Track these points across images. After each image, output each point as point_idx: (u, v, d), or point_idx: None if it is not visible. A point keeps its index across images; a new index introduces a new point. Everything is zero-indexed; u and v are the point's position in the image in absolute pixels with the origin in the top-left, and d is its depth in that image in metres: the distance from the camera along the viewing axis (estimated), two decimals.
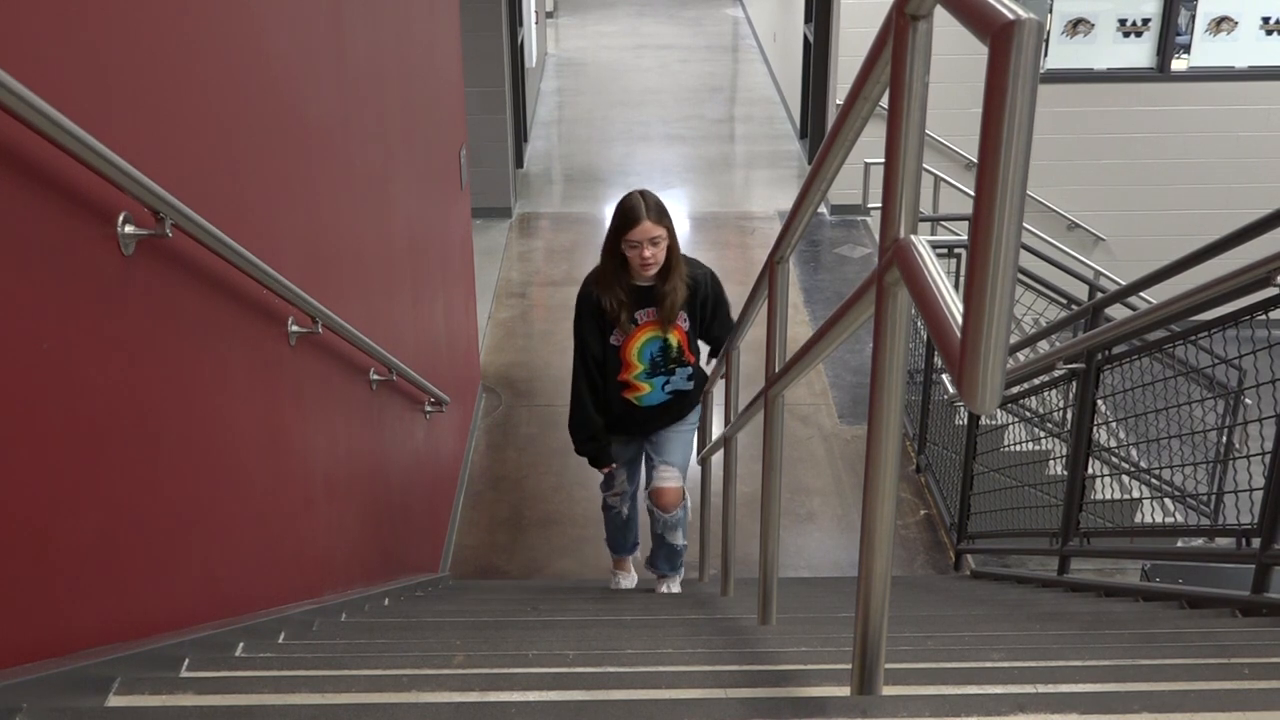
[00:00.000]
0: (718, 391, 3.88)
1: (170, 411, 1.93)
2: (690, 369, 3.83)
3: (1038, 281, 6.15)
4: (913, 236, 1.24)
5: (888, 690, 1.44)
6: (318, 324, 2.75)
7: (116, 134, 1.66)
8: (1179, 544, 3.93)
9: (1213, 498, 4.75)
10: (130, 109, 1.77)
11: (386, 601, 3.43)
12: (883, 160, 1.26)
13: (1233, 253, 2.87)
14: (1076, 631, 2.57)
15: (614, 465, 3.95)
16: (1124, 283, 4.49)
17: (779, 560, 2.41)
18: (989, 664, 1.92)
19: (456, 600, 3.90)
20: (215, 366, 2.17)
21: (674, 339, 3.73)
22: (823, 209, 9.33)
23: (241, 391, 2.32)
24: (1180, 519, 4.83)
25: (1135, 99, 8.80)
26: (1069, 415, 4.43)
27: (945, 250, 6.05)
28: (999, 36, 0.89)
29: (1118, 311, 4.39)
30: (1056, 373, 3.89)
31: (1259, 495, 2.74)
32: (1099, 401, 3.81)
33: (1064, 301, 6.31)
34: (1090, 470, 3.84)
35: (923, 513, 5.71)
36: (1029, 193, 1.82)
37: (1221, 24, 8.66)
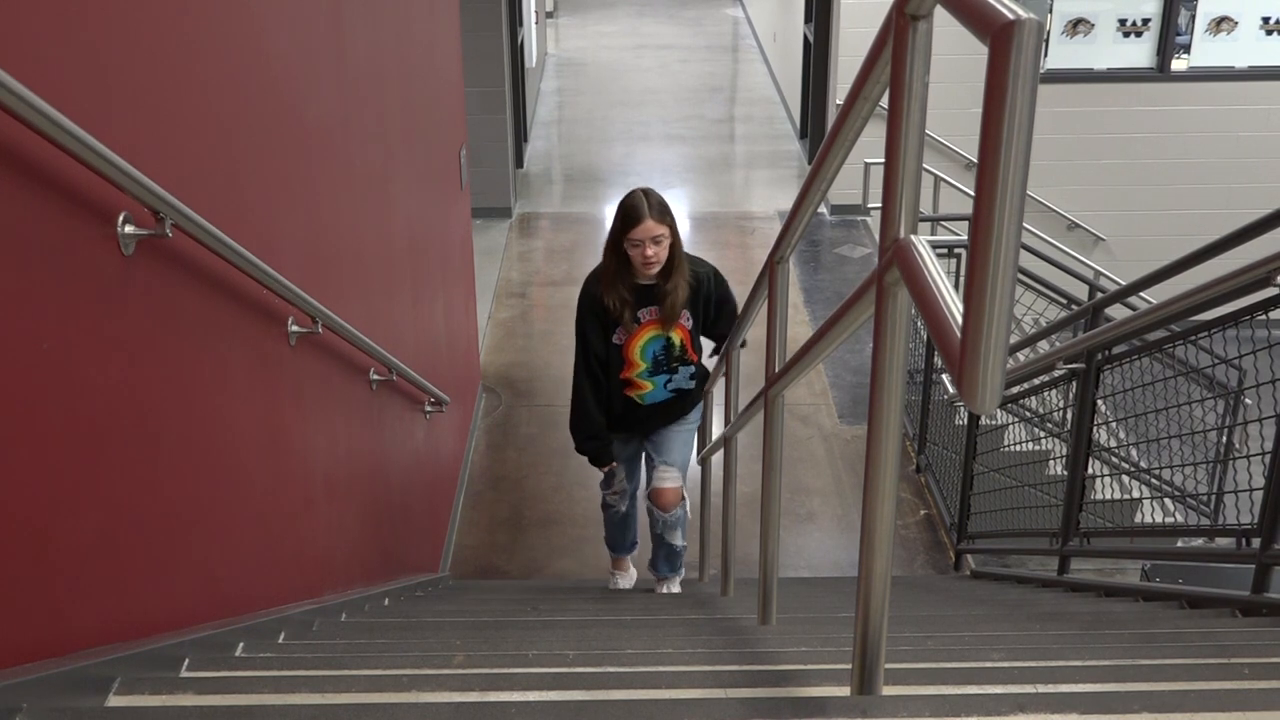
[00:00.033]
0: (718, 391, 3.88)
1: (170, 411, 1.93)
2: (693, 367, 3.82)
3: (1038, 281, 6.15)
4: (913, 236, 1.24)
5: (888, 690, 1.44)
6: (318, 324, 2.75)
7: (116, 134, 1.66)
8: (1179, 544, 3.93)
9: (1213, 498, 4.75)
10: (130, 109, 1.77)
11: (386, 601, 3.43)
12: (883, 160, 1.26)
13: (1233, 253, 2.88)
14: (1076, 631, 2.57)
15: (615, 464, 3.94)
16: (1124, 283, 4.49)
17: (779, 560, 2.42)
18: (989, 664, 1.92)
19: (456, 600, 3.90)
20: (215, 366, 2.17)
21: (677, 337, 3.72)
22: (823, 209, 9.33)
23: (241, 391, 2.32)
24: (1180, 519, 4.83)
25: (1135, 99, 8.80)
26: (1069, 415, 4.43)
27: (945, 250, 6.05)
28: (999, 36, 0.89)
29: (1118, 311, 4.39)
30: (1056, 373, 3.89)
31: (1259, 495, 2.74)
32: (1099, 401, 3.81)
33: (1064, 301, 6.31)
34: (1090, 470, 3.84)
35: (923, 513, 5.71)
36: (1029, 193, 1.83)
37: (1221, 24, 8.66)
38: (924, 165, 1.41)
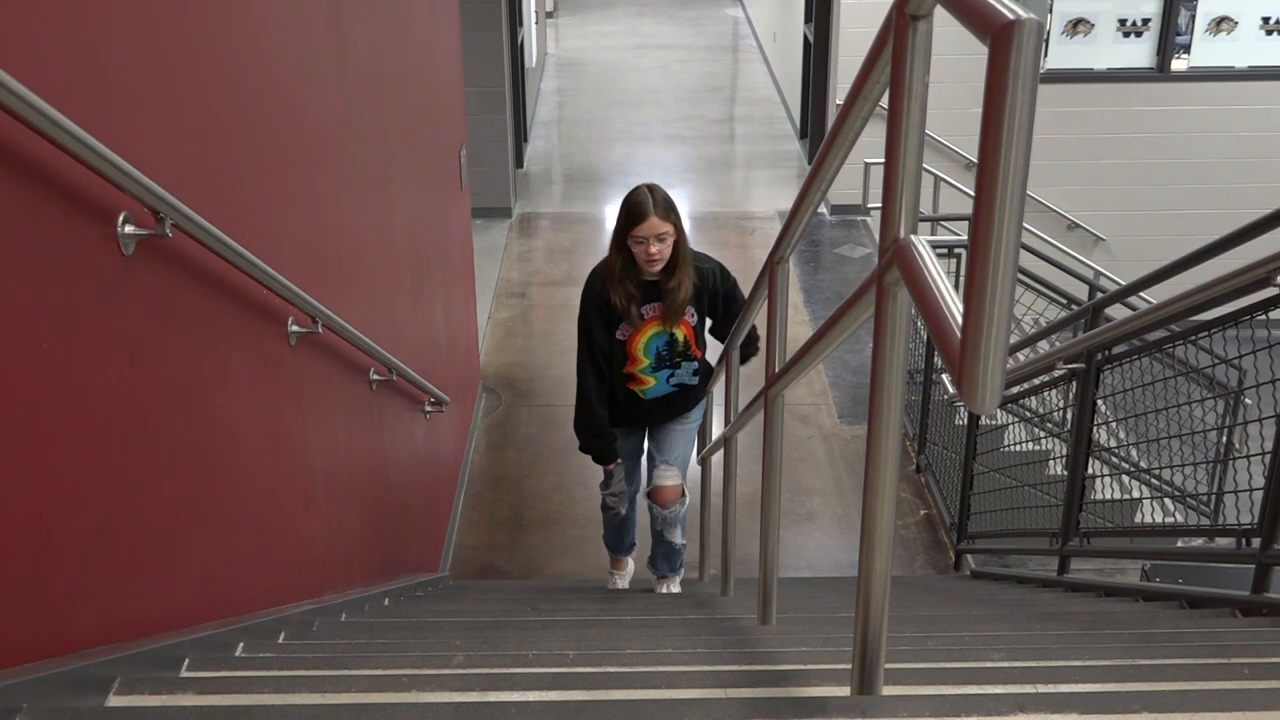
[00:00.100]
0: (718, 391, 3.88)
1: (170, 411, 1.93)
2: (696, 363, 3.81)
3: (1038, 281, 6.15)
4: (913, 236, 1.24)
5: (888, 690, 1.44)
6: (318, 324, 2.75)
7: (116, 134, 1.66)
8: (1179, 544, 3.94)
9: (1213, 498, 4.75)
10: (130, 109, 1.77)
11: (386, 601, 3.43)
12: (883, 160, 1.26)
13: (1233, 253, 2.88)
14: (1076, 631, 2.57)
15: (619, 461, 3.92)
16: (1124, 283, 4.49)
17: (779, 560, 2.41)
18: (989, 664, 1.92)
19: (456, 600, 3.90)
20: (215, 366, 2.17)
21: (680, 333, 3.71)
22: (823, 209, 9.33)
23: (241, 391, 2.32)
24: (1180, 519, 4.83)
25: (1135, 99, 8.81)
26: (1069, 415, 4.43)
27: (945, 250, 6.05)
28: (999, 36, 0.89)
29: (1118, 311, 4.39)
30: (1056, 373, 3.89)
31: (1259, 495, 2.74)
32: (1099, 401, 3.81)
33: (1064, 301, 6.31)
34: (1090, 470, 3.84)
35: (923, 513, 5.71)
36: (1029, 193, 1.83)
37: (1221, 24, 8.66)
38: (924, 165, 1.41)
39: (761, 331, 3.72)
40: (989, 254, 0.92)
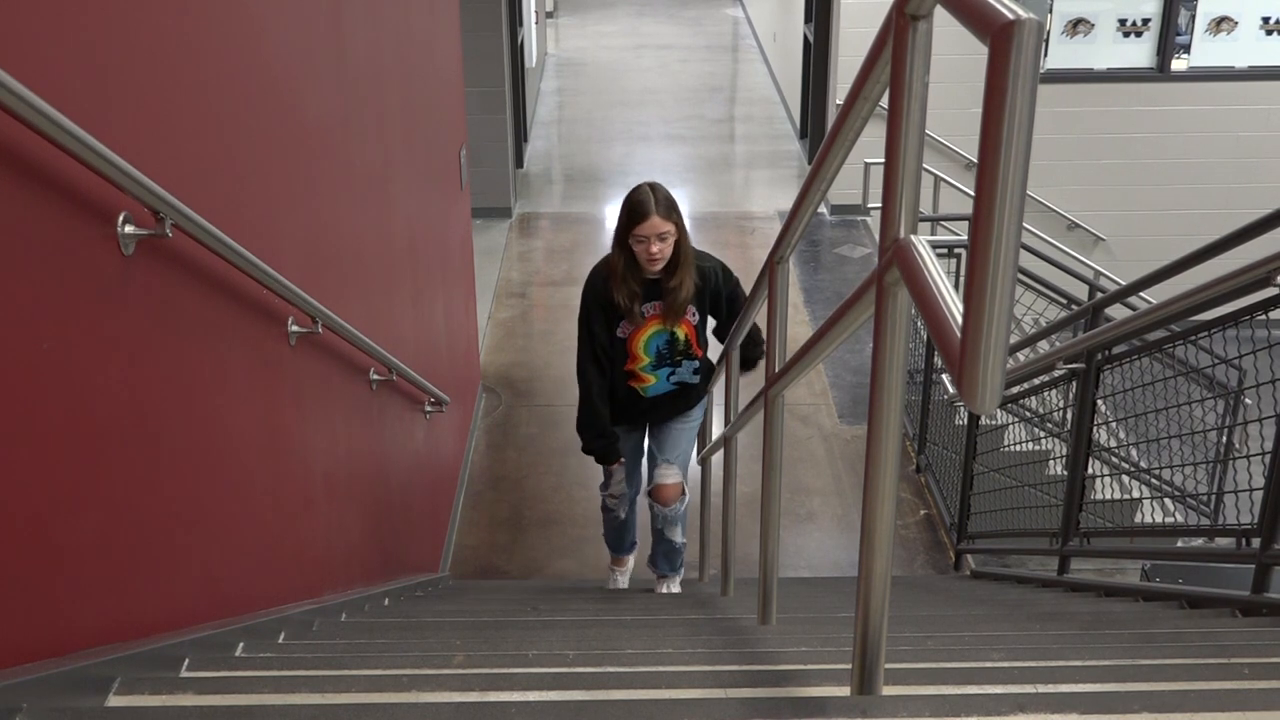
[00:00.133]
0: (718, 391, 3.88)
1: (170, 411, 1.93)
2: (697, 362, 3.80)
3: (1038, 281, 6.15)
4: (913, 236, 1.24)
5: (888, 690, 1.44)
6: (318, 324, 2.75)
7: (116, 134, 1.66)
8: (1179, 544, 3.94)
9: (1213, 498, 4.75)
10: (130, 109, 1.77)
11: (386, 601, 3.43)
12: (883, 160, 1.26)
13: (1233, 253, 2.87)
14: (1076, 631, 2.57)
15: (622, 460, 3.91)
16: (1124, 283, 4.49)
17: (779, 560, 2.41)
18: (989, 664, 1.92)
19: (456, 600, 3.90)
20: (215, 366, 2.17)
21: (681, 333, 3.70)
22: (823, 209, 9.33)
23: (241, 391, 2.32)
24: (1180, 519, 4.83)
25: (1135, 99, 8.81)
26: (1069, 415, 4.43)
27: (945, 250, 6.05)
28: (999, 36, 0.89)
29: (1118, 311, 4.39)
30: (1056, 373, 3.89)
31: (1259, 495, 2.74)
32: (1099, 401, 3.81)
33: (1064, 301, 6.31)
34: (1090, 470, 3.84)
35: (923, 513, 5.71)
36: (1029, 193, 1.83)
37: (1221, 24, 8.66)
38: (924, 165, 1.41)
39: (762, 330, 3.72)
40: (989, 254, 0.92)
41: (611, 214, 9.15)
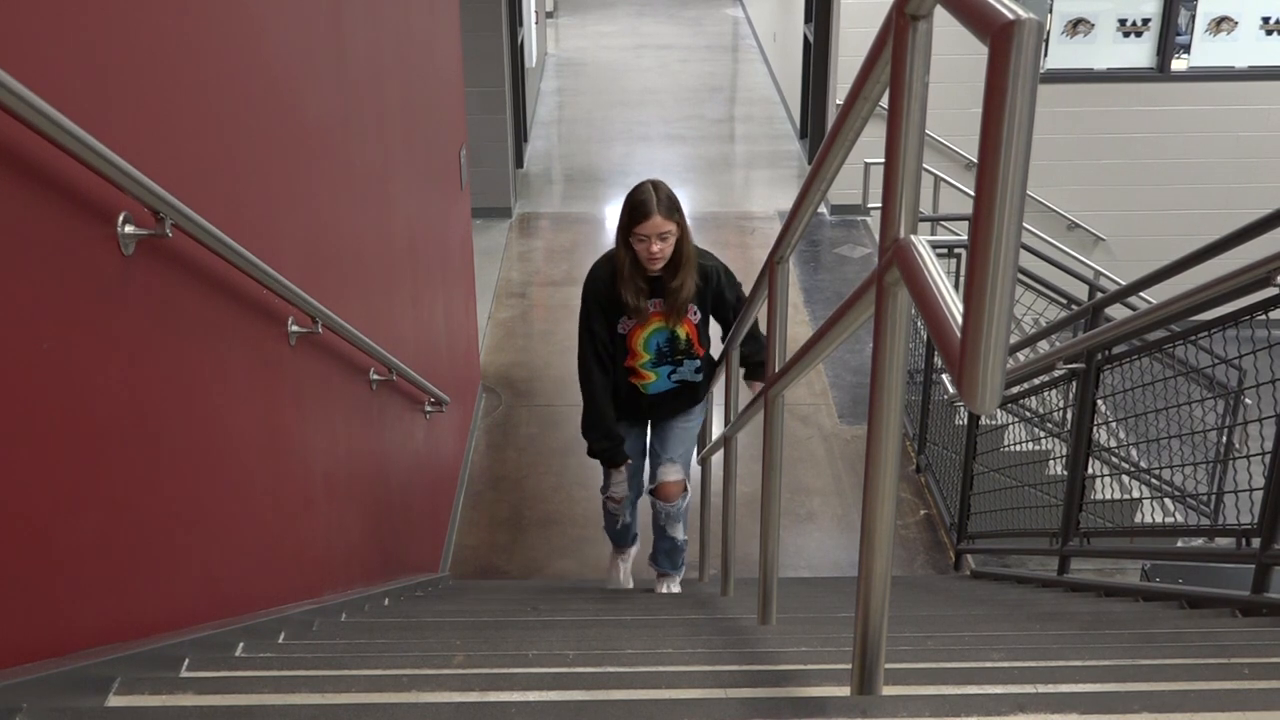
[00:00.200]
0: (718, 391, 3.88)
1: (170, 411, 1.93)
2: (698, 361, 3.79)
3: (1038, 281, 6.15)
4: (913, 236, 1.24)
5: (888, 690, 1.44)
6: (318, 324, 2.75)
7: (116, 134, 1.66)
8: (1179, 544, 3.93)
9: (1213, 498, 4.75)
10: (130, 109, 1.77)
11: (386, 601, 3.43)
12: (883, 160, 1.26)
13: (1233, 253, 2.88)
14: (1076, 631, 2.57)
15: (629, 461, 3.90)
16: (1124, 283, 4.49)
17: (779, 560, 2.41)
18: (989, 664, 1.92)
19: (456, 600, 3.90)
20: (215, 366, 2.17)
21: (682, 331, 3.68)
22: (823, 209, 9.33)
23: (241, 391, 2.32)
24: (1180, 519, 4.83)
25: (1135, 99, 8.81)
26: (1069, 415, 4.43)
27: (945, 250, 6.05)
28: (999, 36, 0.89)
29: (1118, 311, 4.39)
30: (1056, 373, 3.89)
31: (1259, 495, 2.74)
32: (1099, 401, 3.81)
33: (1064, 301, 6.31)
34: (1090, 470, 3.84)
35: (923, 513, 5.71)
36: (1029, 193, 1.83)
37: (1221, 24, 8.66)
38: (924, 165, 1.41)
39: (762, 331, 3.72)
40: (989, 254, 0.92)
41: (611, 214, 9.16)
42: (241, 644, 2.10)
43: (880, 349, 1.31)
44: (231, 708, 1.54)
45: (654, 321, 3.64)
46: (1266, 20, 8.66)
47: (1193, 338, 3.25)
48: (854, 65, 1.47)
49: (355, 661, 1.97)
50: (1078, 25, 8.68)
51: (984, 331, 0.93)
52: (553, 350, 7.28)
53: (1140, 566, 3.90)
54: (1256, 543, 2.73)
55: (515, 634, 2.48)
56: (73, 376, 1.59)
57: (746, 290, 3.39)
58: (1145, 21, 8.67)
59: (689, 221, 3.59)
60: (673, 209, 3.42)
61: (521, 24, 10.37)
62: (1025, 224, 1.30)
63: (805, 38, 10.42)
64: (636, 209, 3.40)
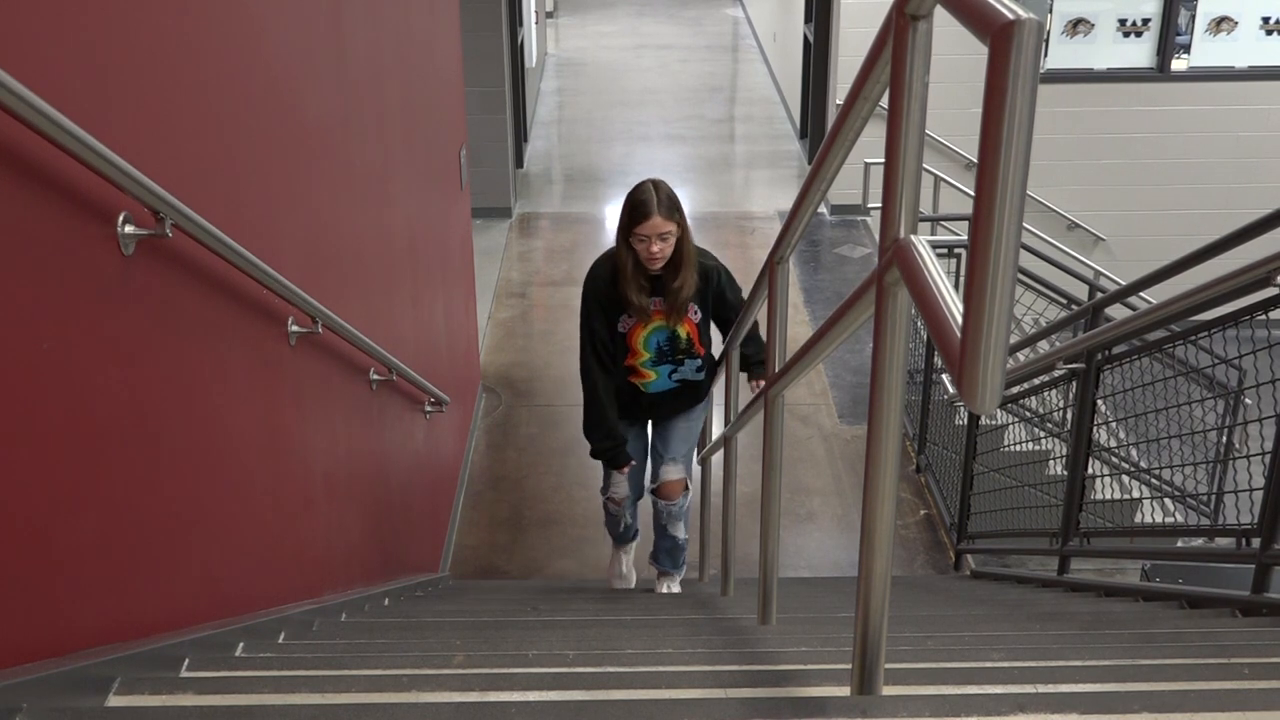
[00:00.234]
0: (718, 391, 3.88)
1: (170, 411, 1.93)
2: (699, 360, 3.79)
3: (1038, 281, 6.15)
4: (913, 236, 1.24)
5: (888, 690, 1.44)
6: (318, 324, 2.75)
7: (116, 134, 1.66)
8: (1179, 544, 3.94)
9: (1213, 498, 4.75)
10: (130, 109, 1.77)
11: (386, 601, 3.43)
12: (883, 160, 1.26)
13: (1233, 253, 2.88)
14: (1076, 631, 2.57)
15: (633, 462, 3.89)
16: (1124, 283, 4.49)
17: (779, 560, 2.41)
18: (989, 664, 1.92)
19: (456, 600, 3.90)
20: (215, 366, 2.17)
21: (683, 331, 3.68)
22: (823, 209, 9.33)
23: (241, 391, 2.32)
24: (1180, 519, 4.83)
25: (1135, 99, 8.81)
26: (1069, 415, 4.43)
27: (945, 250, 6.05)
28: (999, 36, 0.89)
29: (1118, 311, 4.39)
30: (1056, 373, 3.89)
31: (1259, 495, 2.74)
32: (1099, 401, 3.81)
33: (1064, 301, 6.31)
34: (1090, 470, 3.84)
35: (923, 513, 5.71)
36: (1029, 193, 1.83)
37: (1221, 24, 8.66)
38: (924, 165, 1.41)
39: (761, 331, 3.72)
40: (989, 254, 0.92)
41: (611, 214, 9.16)
42: (241, 644, 2.10)
43: (880, 349, 1.31)
44: (231, 708, 1.54)
45: (655, 320, 3.63)
46: (1266, 20, 8.66)
47: (1193, 338, 3.25)
48: (854, 65, 1.47)
49: (355, 661, 1.97)
50: (1078, 25, 8.68)
51: (984, 331, 0.93)
52: (553, 350, 7.28)
53: (1140, 566, 3.90)
54: (1256, 543, 2.73)
55: (515, 634, 2.48)
56: (72, 376, 1.59)
57: (746, 290, 3.39)
58: (1145, 21, 8.67)
59: (689, 221, 3.58)
60: (673, 209, 3.41)
61: (521, 24, 10.37)
62: (1025, 224, 1.30)
63: (805, 38, 10.42)
64: (637, 209, 3.40)
